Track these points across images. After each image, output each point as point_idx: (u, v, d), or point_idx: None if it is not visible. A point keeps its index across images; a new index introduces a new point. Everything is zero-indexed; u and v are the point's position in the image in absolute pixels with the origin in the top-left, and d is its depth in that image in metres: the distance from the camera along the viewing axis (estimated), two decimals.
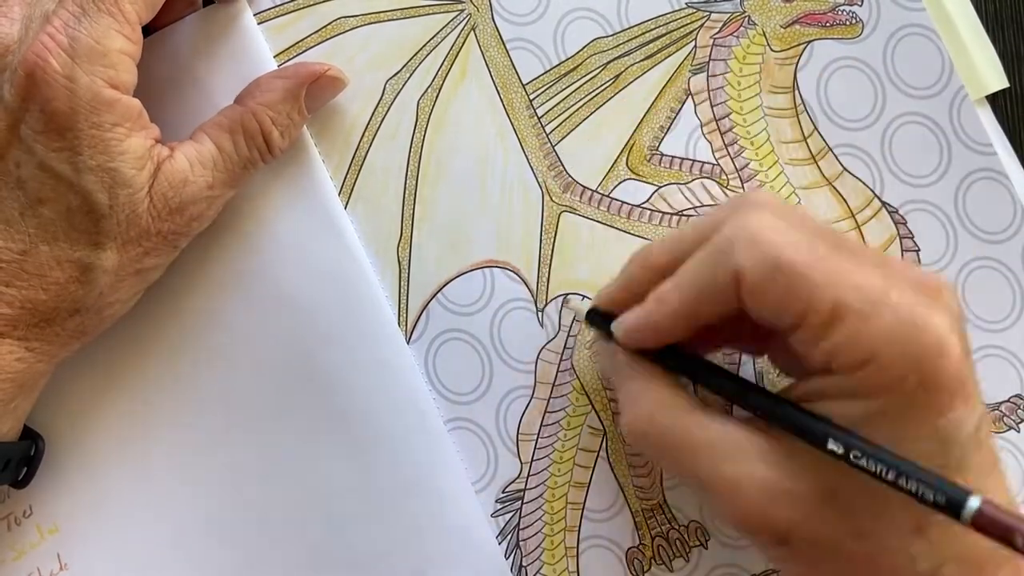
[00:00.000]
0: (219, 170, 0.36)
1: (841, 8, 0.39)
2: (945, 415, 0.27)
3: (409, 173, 0.40)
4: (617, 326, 0.32)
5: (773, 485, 0.28)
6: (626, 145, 0.40)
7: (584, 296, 0.39)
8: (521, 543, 0.38)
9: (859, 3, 0.39)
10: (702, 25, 0.40)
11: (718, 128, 0.39)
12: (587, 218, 0.39)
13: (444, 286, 0.39)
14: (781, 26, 0.39)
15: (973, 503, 0.26)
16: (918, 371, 0.27)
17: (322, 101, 0.39)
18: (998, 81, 0.39)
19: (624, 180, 0.39)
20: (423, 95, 0.40)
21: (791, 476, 0.28)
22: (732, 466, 0.29)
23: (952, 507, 0.26)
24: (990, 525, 0.26)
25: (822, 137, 0.39)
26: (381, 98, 0.40)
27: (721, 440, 0.29)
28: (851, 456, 0.27)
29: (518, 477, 0.39)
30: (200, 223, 0.36)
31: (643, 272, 0.32)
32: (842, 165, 0.39)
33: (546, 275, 0.39)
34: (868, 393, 0.28)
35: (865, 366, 0.27)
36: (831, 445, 0.27)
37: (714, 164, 0.39)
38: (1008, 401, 0.38)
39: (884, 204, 0.39)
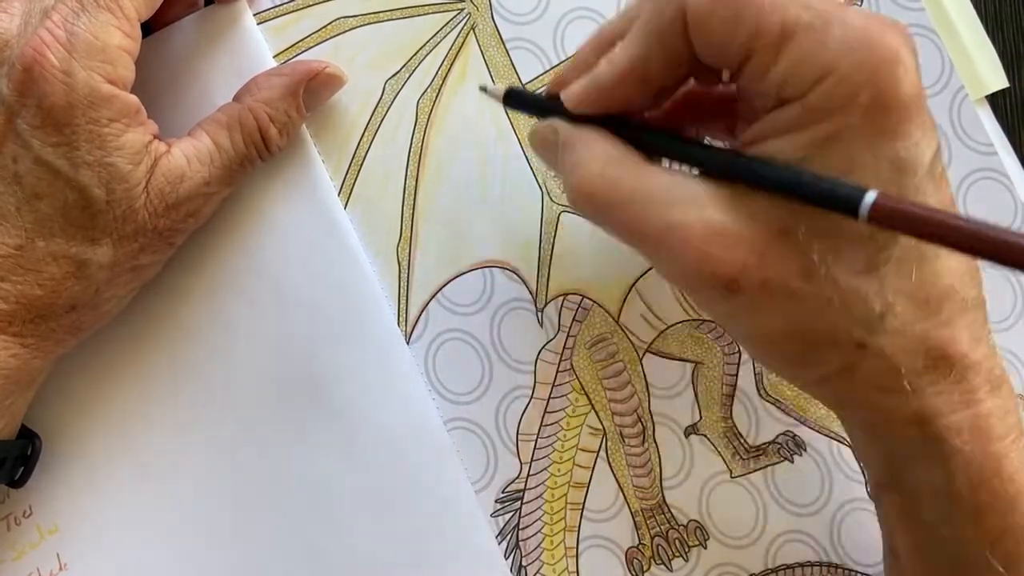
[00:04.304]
0: (216, 167, 0.36)
1: None
2: (900, 139, 0.26)
3: (409, 173, 0.40)
4: (566, 92, 0.31)
5: (724, 228, 0.27)
6: None
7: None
8: (521, 543, 0.38)
9: (858, 3, 0.39)
10: None
11: None
12: None
13: (444, 286, 0.39)
14: None
15: (869, 197, 0.25)
16: (873, 83, 0.26)
17: (321, 99, 0.39)
18: (998, 81, 0.39)
19: None
20: (423, 95, 0.40)
21: (743, 219, 0.27)
22: (682, 212, 0.27)
23: (849, 202, 0.25)
24: (888, 217, 0.25)
25: None
26: (381, 98, 0.40)
27: (672, 188, 0.28)
28: (754, 179, 0.27)
29: (518, 477, 0.39)
30: (196, 220, 0.36)
31: (594, 46, 0.31)
32: None
33: (546, 275, 0.39)
34: (820, 116, 0.26)
35: (819, 84, 0.26)
36: (741, 169, 0.27)
37: None
38: None
39: None
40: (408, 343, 0.39)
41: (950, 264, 0.27)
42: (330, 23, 0.40)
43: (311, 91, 0.38)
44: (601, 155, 0.29)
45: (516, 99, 0.34)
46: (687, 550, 0.38)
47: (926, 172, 0.27)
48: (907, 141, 0.26)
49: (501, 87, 0.34)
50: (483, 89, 0.35)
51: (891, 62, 0.26)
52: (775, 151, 0.27)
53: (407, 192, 0.40)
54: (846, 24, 0.26)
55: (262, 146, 0.37)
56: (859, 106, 0.26)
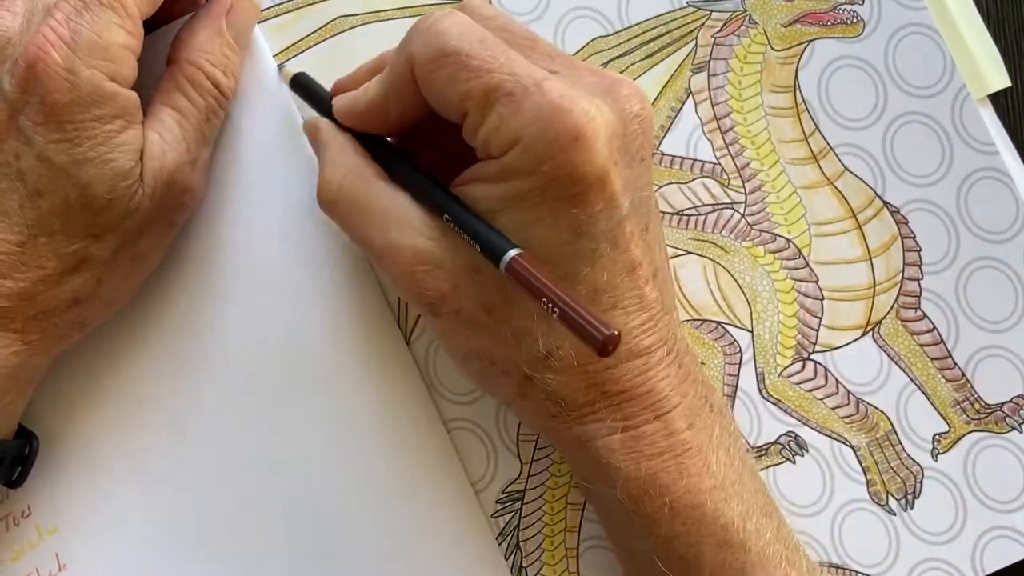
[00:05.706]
0: (187, 129, 0.36)
1: (842, 7, 0.39)
2: (579, 207, 0.29)
3: None
4: (335, 102, 0.35)
5: (429, 257, 0.31)
6: None
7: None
8: (521, 544, 0.38)
9: (860, 2, 0.39)
10: (703, 24, 0.40)
11: (719, 127, 0.39)
12: None
13: None
14: (782, 25, 0.39)
15: (508, 255, 0.28)
16: (553, 157, 0.28)
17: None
18: (1000, 80, 0.39)
19: None
20: None
21: (446, 251, 0.31)
22: (397, 233, 0.31)
23: (496, 255, 0.29)
24: (523, 280, 0.28)
25: (823, 136, 0.39)
26: None
27: (394, 209, 0.32)
28: (444, 217, 0.31)
29: (518, 478, 0.38)
30: (192, 196, 0.36)
31: (372, 65, 0.36)
32: (843, 164, 0.39)
33: None
34: (513, 176, 0.29)
35: (512, 148, 0.29)
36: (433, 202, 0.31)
37: (715, 163, 0.39)
38: (1010, 402, 0.38)
39: (885, 204, 0.39)
40: (408, 343, 0.39)
41: (616, 319, 0.30)
42: (330, 22, 0.40)
43: (233, 24, 0.37)
44: (343, 165, 0.33)
45: (301, 86, 0.38)
46: None
47: (606, 237, 0.30)
48: (586, 209, 0.29)
49: (292, 71, 0.38)
50: (280, 67, 0.39)
51: (570, 139, 0.28)
52: (480, 195, 0.31)
53: None
54: (542, 95, 0.29)
55: (216, 92, 0.37)
56: (542, 174, 0.29)
